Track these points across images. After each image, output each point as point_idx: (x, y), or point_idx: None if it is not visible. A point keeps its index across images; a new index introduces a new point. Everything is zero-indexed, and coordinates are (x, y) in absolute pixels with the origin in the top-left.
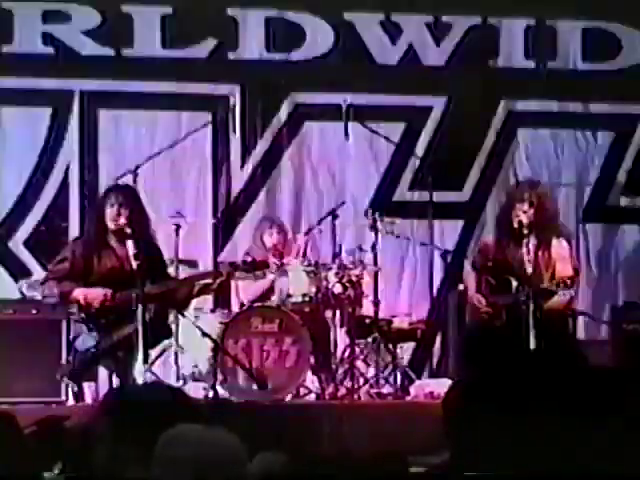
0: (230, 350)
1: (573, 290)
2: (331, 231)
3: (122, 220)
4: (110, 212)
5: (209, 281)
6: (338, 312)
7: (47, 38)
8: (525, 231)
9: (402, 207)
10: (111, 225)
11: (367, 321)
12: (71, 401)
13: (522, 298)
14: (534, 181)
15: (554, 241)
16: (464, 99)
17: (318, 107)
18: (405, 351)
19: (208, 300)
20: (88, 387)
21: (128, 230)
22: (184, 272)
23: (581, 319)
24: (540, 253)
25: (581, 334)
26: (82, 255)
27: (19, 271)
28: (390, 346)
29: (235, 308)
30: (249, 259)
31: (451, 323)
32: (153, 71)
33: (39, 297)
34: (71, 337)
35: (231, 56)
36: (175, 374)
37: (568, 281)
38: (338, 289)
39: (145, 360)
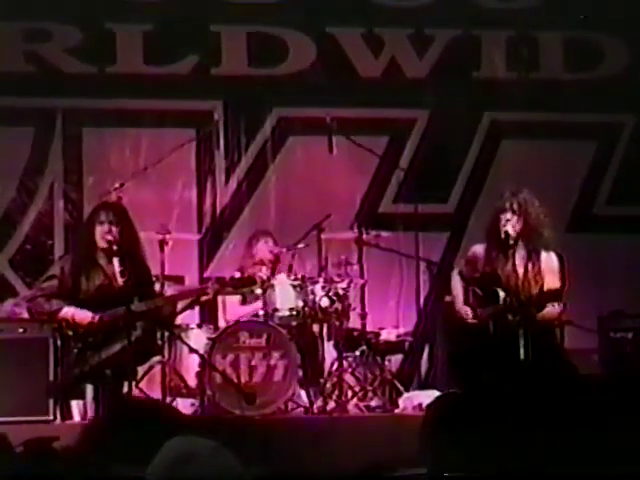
0: (218, 365)
1: (561, 304)
2: (317, 245)
3: (111, 237)
4: (100, 229)
5: (195, 298)
6: (325, 326)
7: (29, 56)
8: (512, 242)
9: (387, 220)
10: (101, 243)
11: (355, 334)
12: (59, 420)
13: (510, 310)
14: (516, 190)
15: (543, 254)
16: (447, 111)
17: (302, 121)
18: (393, 363)
19: (195, 316)
20: (76, 405)
21: (115, 247)
22: (170, 289)
23: (568, 328)
24: (529, 265)
25: (568, 343)
26: (71, 273)
27: (5, 291)
28: (378, 358)
29: (222, 323)
30: (237, 275)
31: (439, 335)
32: (136, 88)
33: (26, 315)
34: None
35: (214, 72)
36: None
37: (556, 294)
38: (325, 302)
39: (133, 377)
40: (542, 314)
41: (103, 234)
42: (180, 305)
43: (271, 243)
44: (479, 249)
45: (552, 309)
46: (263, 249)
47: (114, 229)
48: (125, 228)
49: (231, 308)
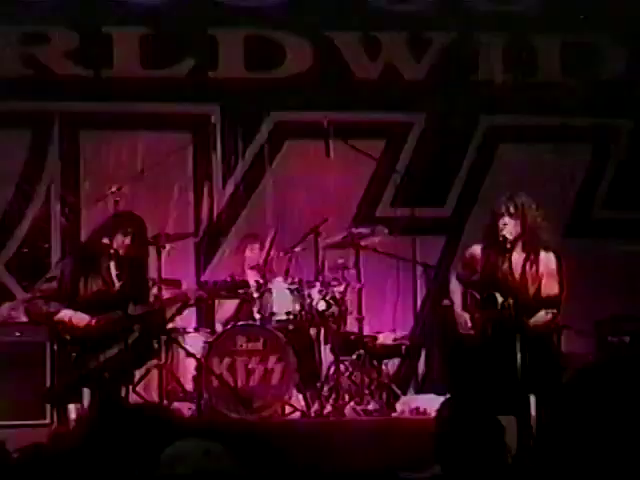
0: (215, 369)
1: (556, 310)
2: (314, 248)
3: (124, 248)
4: (120, 239)
5: (191, 302)
6: (322, 329)
7: (26, 60)
8: (509, 245)
9: (384, 223)
10: (119, 251)
11: (352, 338)
12: (56, 424)
13: (507, 314)
14: (513, 194)
15: (542, 255)
16: (444, 115)
17: (299, 125)
18: (390, 367)
19: (191, 320)
20: (73, 409)
21: (120, 253)
22: (167, 292)
23: (566, 332)
24: (527, 267)
25: (566, 347)
26: (71, 275)
27: (1, 294)
28: (375, 362)
29: (218, 327)
30: (229, 279)
31: (436, 339)
32: (133, 91)
33: (23, 319)
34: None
35: (211, 75)
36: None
37: (552, 300)
38: (322, 306)
39: (130, 381)
40: (537, 318)
41: (122, 243)
42: (176, 308)
43: (257, 250)
44: (476, 250)
45: (544, 316)
46: (250, 257)
47: (129, 240)
48: (138, 241)
49: (222, 308)
